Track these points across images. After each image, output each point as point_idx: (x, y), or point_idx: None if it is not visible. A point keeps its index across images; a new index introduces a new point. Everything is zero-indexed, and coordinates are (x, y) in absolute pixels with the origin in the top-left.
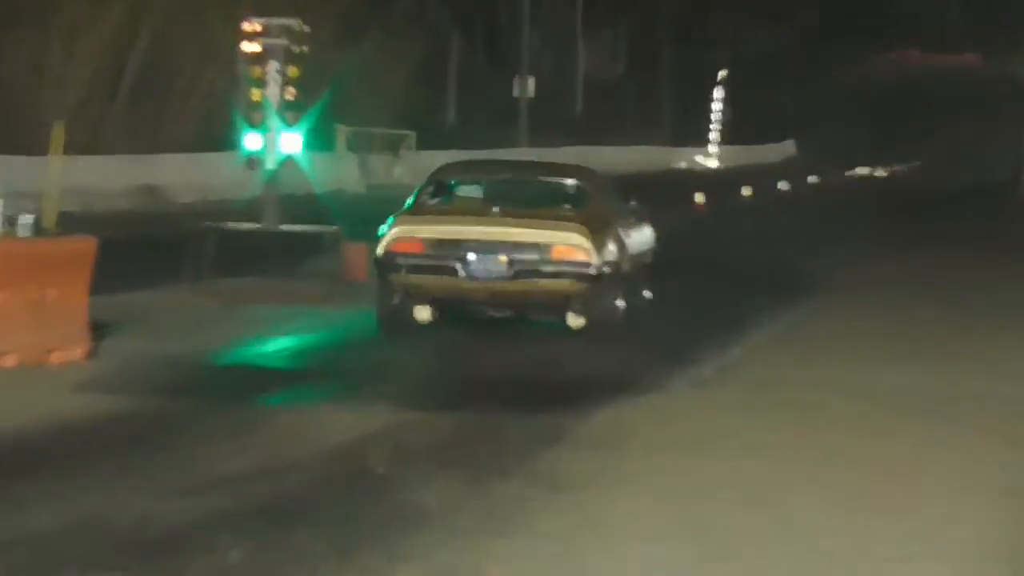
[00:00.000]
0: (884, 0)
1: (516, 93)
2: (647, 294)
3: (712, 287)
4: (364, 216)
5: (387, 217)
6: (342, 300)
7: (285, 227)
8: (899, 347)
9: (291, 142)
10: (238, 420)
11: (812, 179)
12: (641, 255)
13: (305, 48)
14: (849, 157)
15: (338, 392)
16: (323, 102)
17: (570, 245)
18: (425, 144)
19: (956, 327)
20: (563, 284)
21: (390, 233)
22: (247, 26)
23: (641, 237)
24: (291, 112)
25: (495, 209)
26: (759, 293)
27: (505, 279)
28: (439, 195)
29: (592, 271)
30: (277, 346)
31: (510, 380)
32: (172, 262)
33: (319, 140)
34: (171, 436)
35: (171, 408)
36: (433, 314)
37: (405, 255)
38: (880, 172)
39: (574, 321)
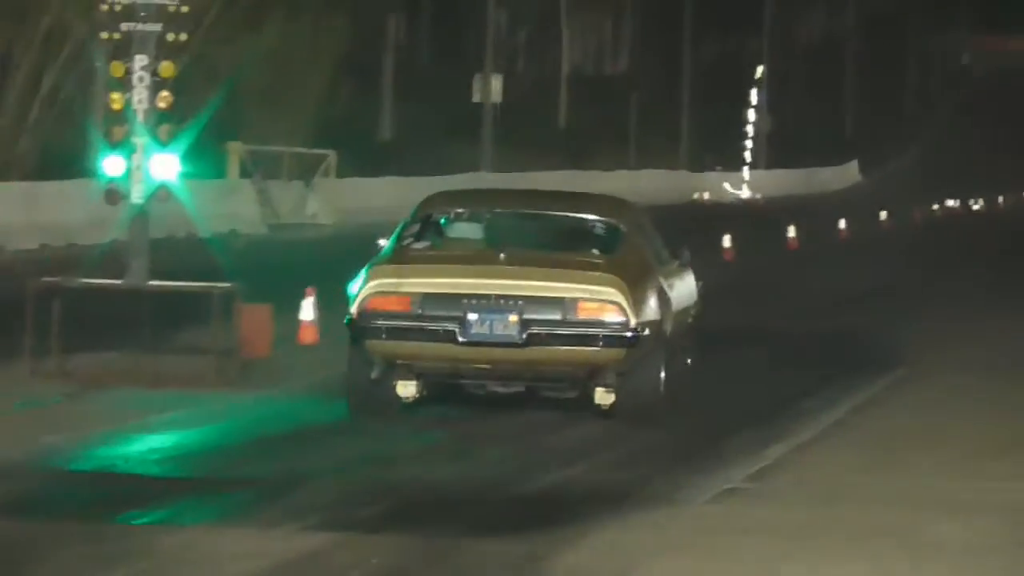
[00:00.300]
0: None
1: (477, 98)
2: (688, 361)
3: (750, 362)
4: (266, 267)
5: (295, 269)
6: (238, 383)
7: (157, 284)
8: (995, 445)
9: (165, 166)
10: (98, 546)
11: (883, 216)
12: (684, 311)
13: (185, 36)
14: (933, 184)
15: (233, 507)
16: (210, 112)
17: (601, 301)
18: (351, 168)
19: None
20: (591, 351)
21: (367, 287)
22: (104, 5)
23: (686, 289)
24: (165, 126)
25: (502, 255)
26: (811, 371)
27: (516, 345)
28: (427, 236)
29: (628, 334)
30: (149, 445)
31: (486, 485)
32: (3, 332)
33: (205, 164)
34: (9, 570)
35: (7, 532)
36: (419, 390)
37: (386, 315)
38: (977, 204)
39: (603, 398)
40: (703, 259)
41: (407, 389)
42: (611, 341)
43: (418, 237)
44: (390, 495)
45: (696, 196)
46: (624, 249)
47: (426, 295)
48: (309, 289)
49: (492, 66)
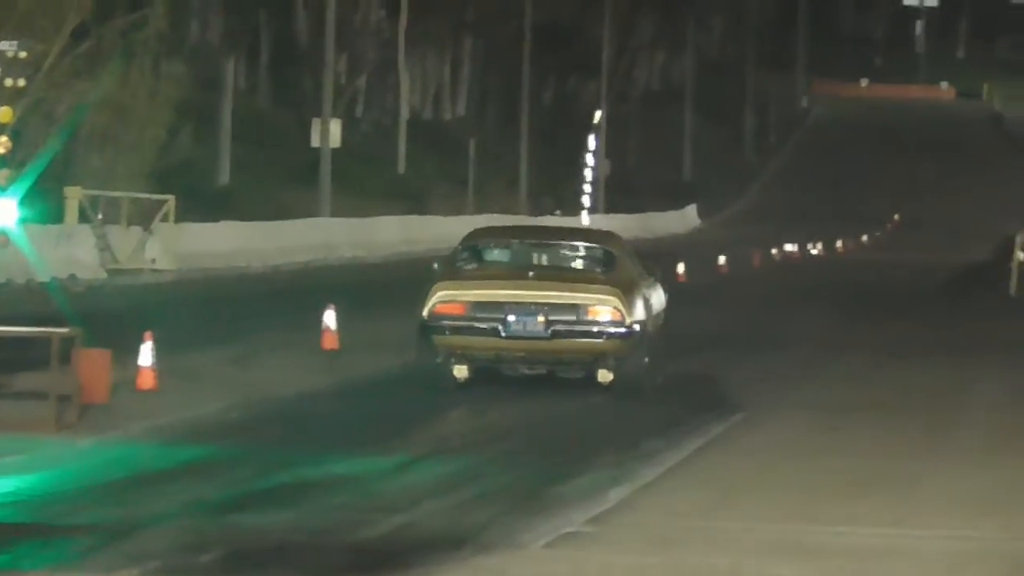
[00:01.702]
0: (822, 19)
1: (315, 142)
2: (645, 360)
3: (596, 405)
4: (105, 313)
5: (134, 314)
6: (76, 428)
7: None
8: (834, 488)
9: (4, 211)
10: None
11: (721, 260)
12: (658, 315)
13: (23, 82)
14: (772, 227)
15: (72, 553)
16: (48, 157)
17: (605, 306)
18: (190, 213)
19: (902, 457)
20: (597, 343)
21: (433, 296)
22: None
23: (659, 298)
24: (4, 171)
25: (530, 273)
26: (651, 413)
27: (543, 338)
28: (472, 260)
29: (624, 330)
30: None
31: (325, 530)
32: None
33: (44, 209)
34: None
35: None
36: (470, 372)
37: (448, 317)
38: (816, 249)
39: (604, 377)
40: None
41: (461, 372)
42: (612, 335)
43: (466, 261)
44: (229, 541)
45: None
46: (617, 268)
47: (477, 302)
48: (147, 334)
49: (330, 111)
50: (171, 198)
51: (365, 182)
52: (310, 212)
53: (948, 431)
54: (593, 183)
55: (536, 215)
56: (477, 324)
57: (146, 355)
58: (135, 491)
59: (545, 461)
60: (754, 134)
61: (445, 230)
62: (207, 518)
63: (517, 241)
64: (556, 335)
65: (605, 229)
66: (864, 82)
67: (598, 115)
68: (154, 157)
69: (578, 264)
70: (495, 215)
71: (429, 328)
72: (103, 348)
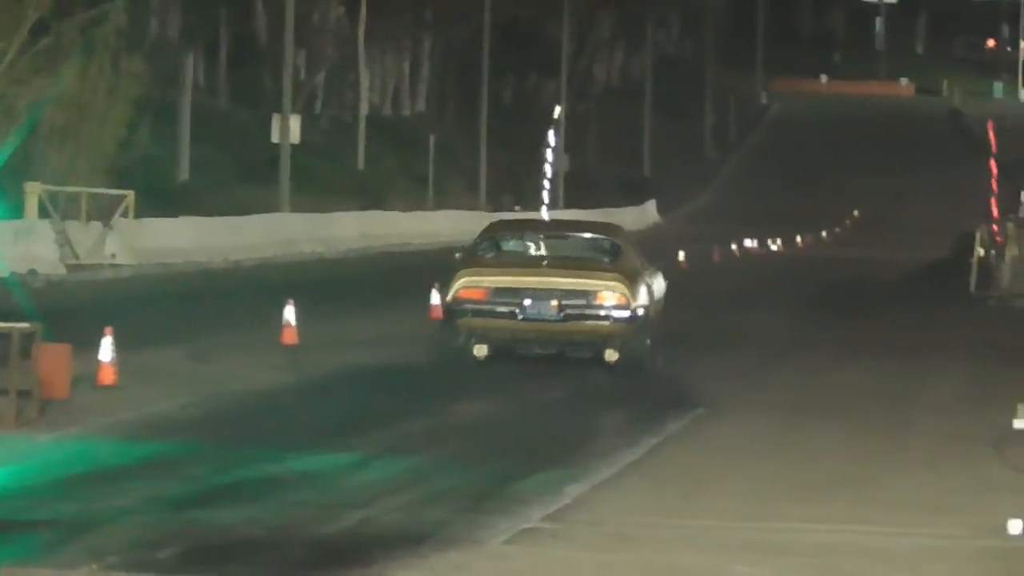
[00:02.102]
0: (781, 14)
1: (275, 138)
2: (647, 342)
3: (552, 402)
4: (65, 308)
5: (94, 310)
6: (36, 423)
7: None
8: (794, 486)
9: None
10: None
11: (681, 256)
12: (659, 301)
13: None
14: (732, 223)
15: (32, 548)
16: (8, 152)
17: (612, 292)
18: (149, 208)
19: (852, 460)
20: (605, 325)
21: (457, 283)
22: None
23: (659, 286)
24: None
25: (544, 262)
26: (608, 411)
27: (556, 321)
28: (491, 250)
29: (629, 314)
30: None
31: (285, 526)
32: None
33: (3, 204)
34: None
35: None
36: (489, 351)
37: (470, 301)
38: (775, 245)
39: (610, 356)
40: None
41: (481, 351)
42: (618, 319)
43: (486, 251)
44: (189, 536)
45: None
46: (623, 258)
47: (497, 288)
48: (108, 329)
49: (290, 107)
50: (130, 194)
51: (324, 178)
52: (270, 208)
53: (907, 431)
54: (552, 179)
55: (495, 211)
56: (497, 308)
57: (106, 351)
58: (95, 486)
59: (502, 459)
60: (714, 131)
61: (404, 226)
62: (166, 514)
63: (532, 233)
64: (568, 318)
65: (612, 223)
66: (824, 79)
67: (557, 111)
68: (114, 153)
69: (587, 254)
70: (454, 211)
71: (453, 311)
72: (63, 343)
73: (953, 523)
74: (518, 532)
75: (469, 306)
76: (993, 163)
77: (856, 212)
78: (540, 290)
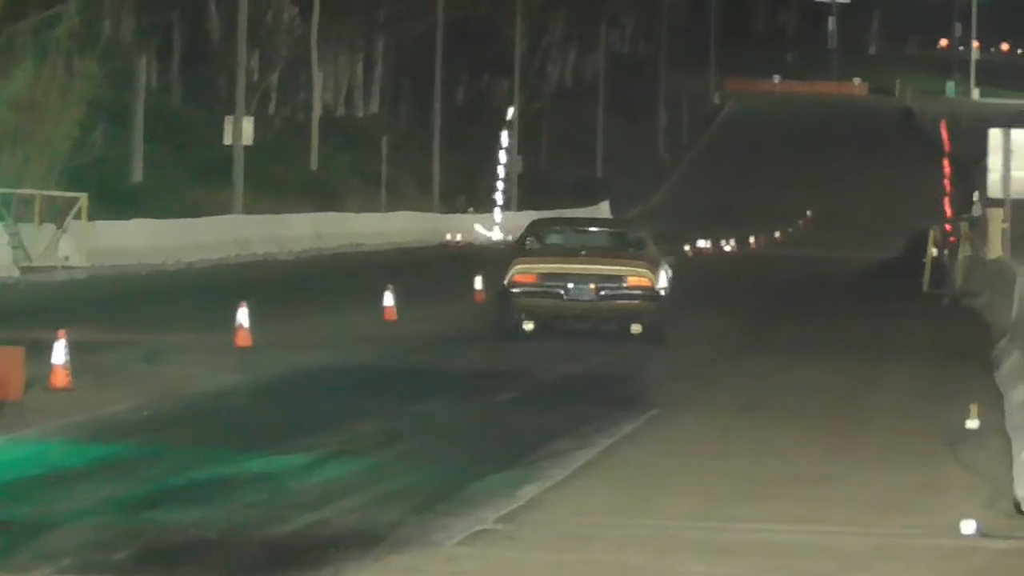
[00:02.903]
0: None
1: (228, 140)
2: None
3: (505, 403)
4: (18, 310)
5: (48, 312)
6: None
7: None
8: (747, 486)
9: None
10: None
11: None
12: (671, 284)
13: None
14: (686, 223)
15: None
16: None
17: (640, 277)
18: (102, 210)
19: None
20: (635, 303)
21: (513, 269)
22: None
23: (672, 272)
24: None
25: (583, 252)
26: (563, 411)
27: (594, 300)
28: (537, 242)
29: (652, 295)
30: None
31: (239, 527)
32: None
33: None
34: None
35: None
36: (535, 326)
37: (523, 284)
38: (728, 245)
39: (636, 329)
40: (456, 302)
41: (529, 326)
42: (645, 298)
43: (533, 243)
44: (143, 538)
45: (448, 237)
46: (647, 248)
47: (544, 273)
48: (61, 332)
49: (243, 108)
50: (84, 196)
51: (278, 179)
52: (223, 209)
53: (860, 430)
54: (506, 180)
55: (448, 212)
56: (545, 290)
57: (59, 353)
58: (48, 489)
59: (456, 460)
60: (667, 131)
61: (358, 227)
62: (120, 516)
63: (571, 228)
64: (603, 298)
65: (636, 219)
66: (776, 78)
67: (511, 112)
68: (67, 155)
69: (617, 245)
70: (408, 212)
71: (509, 293)
72: (16, 346)
73: (906, 522)
74: (472, 533)
75: (522, 288)
76: (946, 162)
77: (809, 212)
78: (581, 275)
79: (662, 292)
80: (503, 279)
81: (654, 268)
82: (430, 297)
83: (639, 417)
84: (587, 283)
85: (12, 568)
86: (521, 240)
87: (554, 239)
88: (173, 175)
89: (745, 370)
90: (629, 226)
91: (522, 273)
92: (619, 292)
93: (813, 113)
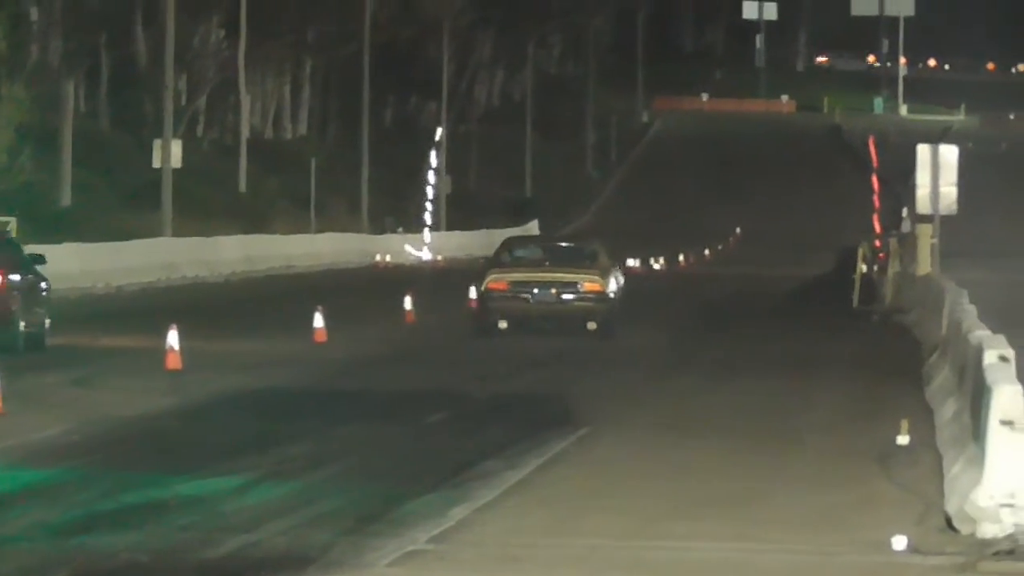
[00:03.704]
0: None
1: (156, 163)
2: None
3: (432, 425)
4: None
5: None
6: None
7: None
8: (677, 505)
9: None
10: None
11: None
12: (620, 289)
13: None
14: (615, 241)
15: None
16: None
17: (593, 282)
18: (31, 234)
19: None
20: (588, 305)
21: (488, 279)
22: None
23: (621, 279)
24: None
25: (547, 263)
26: (493, 432)
27: (555, 303)
28: (509, 255)
29: (603, 298)
30: None
31: (172, 550)
32: None
33: None
34: None
35: None
36: (507, 325)
37: (497, 291)
38: (658, 264)
39: (591, 326)
40: (386, 323)
41: (503, 324)
42: (598, 301)
43: (505, 256)
44: (75, 563)
45: (378, 258)
46: (600, 260)
47: (514, 281)
48: None
49: (171, 132)
50: (13, 219)
51: (206, 202)
52: (152, 232)
53: (791, 447)
54: (434, 201)
55: (377, 233)
56: (515, 294)
57: None
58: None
59: (386, 481)
60: (595, 150)
61: (288, 249)
62: (51, 541)
63: (536, 244)
64: (563, 301)
65: (593, 237)
66: (704, 96)
67: (439, 133)
68: None
69: (575, 258)
70: (337, 233)
71: (485, 298)
72: None
73: (837, 539)
74: (403, 554)
75: (495, 294)
76: (875, 178)
77: (738, 229)
78: (544, 282)
79: (612, 295)
80: (480, 287)
81: (605, 276)
82: (360, 318)
83: (569, 436)
84: (549, 288)
85: None
86: (497, 254)
87: (522, 253)
88: (102, 199)
89: (674, 389)
90: (585, 242)
91: (495, 281)
92: (575, 296)
93: (742, 131)
